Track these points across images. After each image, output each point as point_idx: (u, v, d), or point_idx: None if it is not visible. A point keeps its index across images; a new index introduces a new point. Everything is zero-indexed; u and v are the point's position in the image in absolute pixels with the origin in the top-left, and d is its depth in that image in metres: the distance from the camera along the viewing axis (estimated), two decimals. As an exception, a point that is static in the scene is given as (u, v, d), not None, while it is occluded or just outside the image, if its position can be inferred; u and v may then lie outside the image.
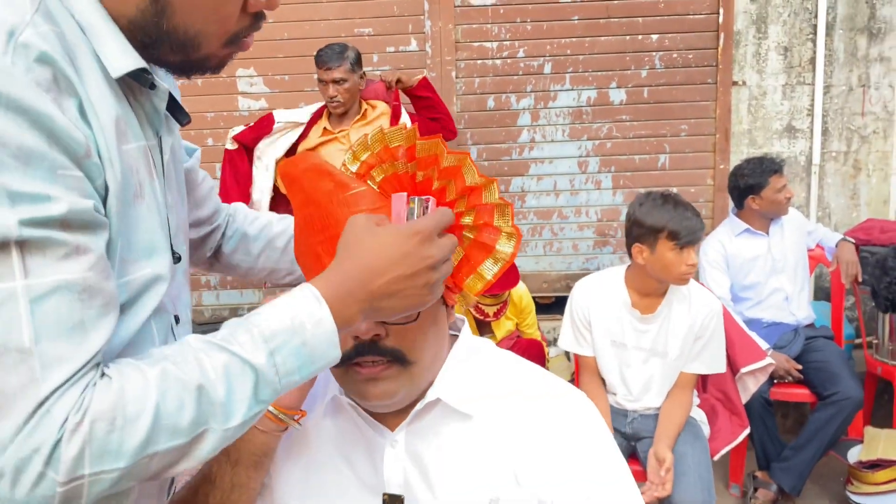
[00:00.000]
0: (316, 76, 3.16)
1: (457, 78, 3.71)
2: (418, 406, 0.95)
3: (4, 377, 0.62)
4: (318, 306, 0.74)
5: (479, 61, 3.72)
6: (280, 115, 3.23)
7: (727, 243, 3.11)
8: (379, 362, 0.90)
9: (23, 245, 0.63)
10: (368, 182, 0.92)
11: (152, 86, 0.80)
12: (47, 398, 0.62)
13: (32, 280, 0.63)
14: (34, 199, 0.63)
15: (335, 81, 3.05)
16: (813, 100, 3.72)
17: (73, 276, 0.65)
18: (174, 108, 0.88)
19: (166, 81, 0.86)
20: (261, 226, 1.20)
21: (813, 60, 3.69)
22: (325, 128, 3.17)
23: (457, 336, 1.03)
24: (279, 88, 3.72)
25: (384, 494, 0.96)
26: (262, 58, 3.65)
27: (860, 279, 3.08)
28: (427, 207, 0.85)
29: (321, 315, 0.73)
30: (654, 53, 3.69)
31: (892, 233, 3.20)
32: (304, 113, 3.25)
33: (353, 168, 0.92)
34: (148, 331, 0.79)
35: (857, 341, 3.42)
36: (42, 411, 0.62)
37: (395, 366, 0.90)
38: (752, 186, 3.01)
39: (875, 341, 3.22)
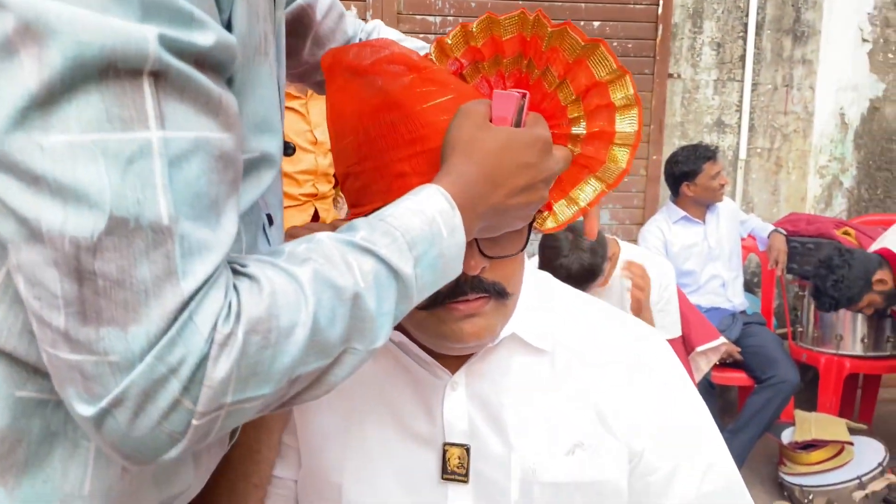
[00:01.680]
0: None
1: (397, 51, 3.56)
2: (491, 343, 0.81)
3: (132, 264, 0.44)
4: (451, 212, 0.62)
5: (421, 35, 3.57)
6: None
7: (665, 230, 3.14)
8: (482, 297, 0.75)
9: (158, 79, 0.44)
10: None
11: None
12: (190, 299, 0.46)
13: (171, 132, 0.45)
14: (175, 15, 0.44)
15: None
16: (742, 96, 3.83)
17: (213, 136, 0.47)
18: None
19: None
20: None
21: (743, 58, 3.81)
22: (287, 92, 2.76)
23: None
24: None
25: (444, 445, 0.81)
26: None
27: (783, 268, 3.21)
28: (524, 104, 0.71)
29: (455, 223, 0.62)
30: (594, 40, 3.69)
31: (818, 224, 3.33)
32: None
33: (461, 51, 0.76)
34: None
35: (782, 331, 3.54)
36: (184, 317, 0.46)
37: (494, 300, 0.76)
38: (686, 173, 3.07)
39: (800, 329, 3.34)
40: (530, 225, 0.77)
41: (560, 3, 3.65)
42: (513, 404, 0.82)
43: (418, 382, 0.83)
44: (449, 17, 3.58)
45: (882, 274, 2.71)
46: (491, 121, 0.69)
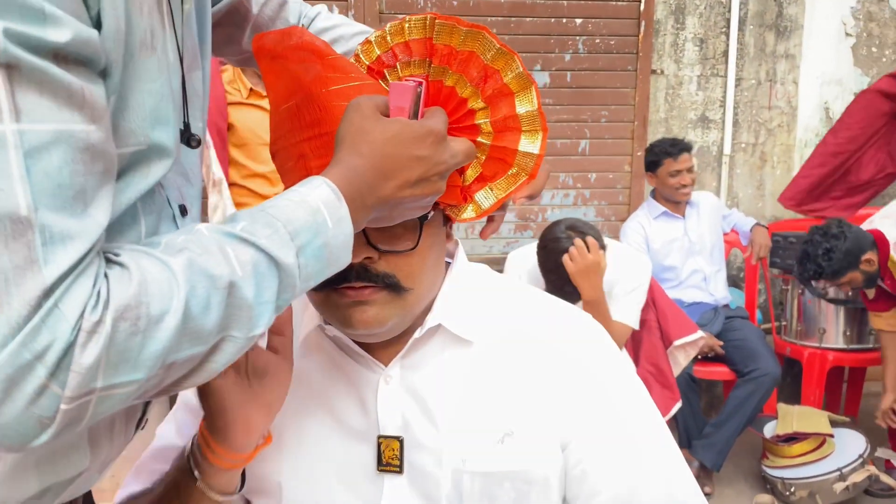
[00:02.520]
0: None
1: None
2: (416, 334, 0.82)
3: None
4: (337, 203, 0.63)
5: (403, 34, 3.59)
6: None
7: (646, 225, 3.15)
8: (368, 286, 0.77)
9: (11, 72, 0.46)
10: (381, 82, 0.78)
11: None
12: (54, 287, 0.47)
13: (26, 125, 0.46)
14: (26, 11, 0.46)
15: None
16: (725, 92, 3.84)
17: (76, 128, 0.49)
18: None
19: None
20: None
21: (726, 53, 3.81)
22: (251, 87, 2.60)
23: (450, 262, 0.91)
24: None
25: (379, 437, 0.82)
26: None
27: (766, 260, 3.23)
28: (420, 94, 0.73)
29: (341, 214, 0.64)
30: (577, 38, 3.70)
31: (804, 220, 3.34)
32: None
33: (378, 52, 0.78)
34: (132, 216, 0.62)
35: (766, 326, 3.55)
36: (49, 304, 0.47)
37: (385, 291, 0.77)
38: (650, 163, 3.11)
39: (783, 323, 3.35)
40: (422, 223, 0.78)
41: (543, 1, 3.65)
42: (444, 395, 0.83)
43: (353, 377, 0.85)
44: (431, 16, 3.59)
45: (871, 255, 2.72)
46: (389, 114, 0.70)
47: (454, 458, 0.81)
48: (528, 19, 3.65)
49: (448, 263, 0.90)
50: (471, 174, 0.80)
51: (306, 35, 0.77)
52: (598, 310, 2.10)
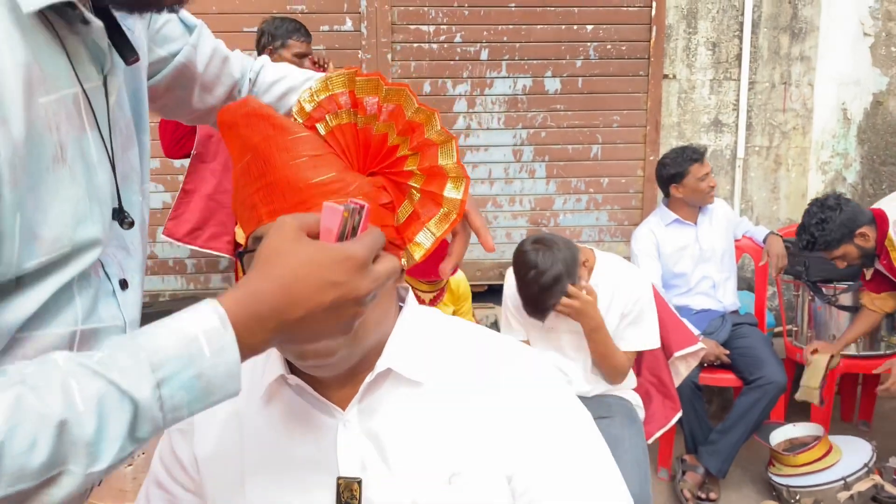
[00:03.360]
0: (284, 50, 2.87)
1: (392, 61, 3.63)
2: (368, 378, 0.88)
3: None
4: (222, 330, 0.62)
5: (415, 45, 3.65)
6: None
7: (658, 232, 3.16)
8: None
9: None
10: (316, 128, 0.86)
11: (84, 21, 0.69)
12: None
13: None
14: None
15: (308, 55, 2.89)
16: (738, 95, 3.83)
17: None
18: (121, 43, 0.76)
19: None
20: (276, 96, 1.08)
21: (739, 57, 3.80)
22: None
23: (401, 307, 0.97)
24: (205, 65, 3.56)
25: (339, 479, 0.88)
26: (187, 32, 3.48)
27: (780, 271, 3.23)
28: (360, 217, 0.72)
29: (224, 342, 0.62)
30: (588, 44, 3.72)
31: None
32: None
33: (309, 109, 0.85)
34: (67, 298, 0.67)
35: (778, 329, 3.55)
36: None
37: None
38: (674, 175, 3.08)
39: (794, 329, 3.35)
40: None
41: (553, 8, 3.68)
42: (397, 437, 0.88)
43: (313, 422, 0.90)
44: (443, 26, 3.64)
45: (867, 230, 2.74)
46: (319, 234, 0.70)
47: (405, 499, 0.87)
48: (538, 26, 3.69)
49: (400, 307, 0.95)
50: (402, 213, 0.87)
51: (255, 102, 0.85)
52: (600, 334, 2.19)
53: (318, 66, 3.14)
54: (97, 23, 0.71)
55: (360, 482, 0.87)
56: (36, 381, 0.56)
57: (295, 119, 0.86)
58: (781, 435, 2.93)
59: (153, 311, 2.82)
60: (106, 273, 0.73)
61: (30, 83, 0.62)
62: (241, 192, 0.85)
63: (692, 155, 3.06)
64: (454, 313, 3.04)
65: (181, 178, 3.64)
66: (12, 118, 0.60)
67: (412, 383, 0.89)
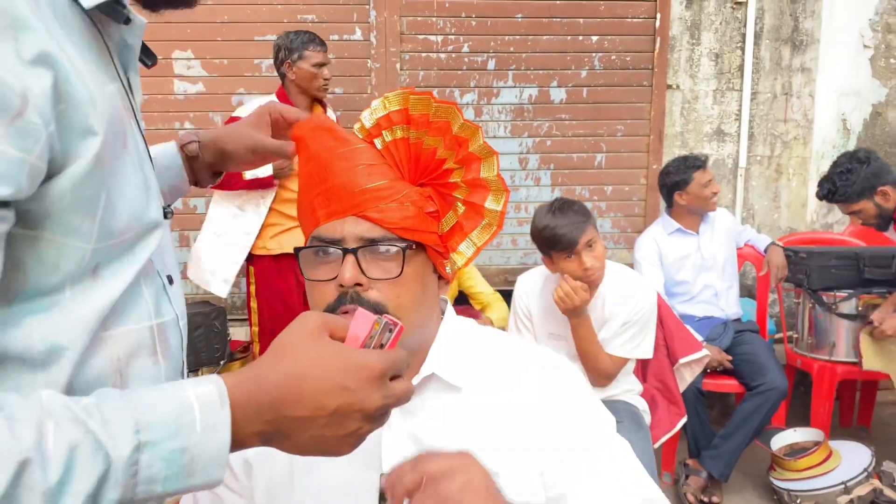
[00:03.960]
0: (302, 62, 2.91)
1: (401, 70, 3.69)
2: (413, 381, 0.93)
3: None
4: (218, 407, 0.58)
5: (423, 54, 3.71)
6: (246, 112, 2.95)
7: (660, 241, 3.22)
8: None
9: None
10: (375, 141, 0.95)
11: (127, 20, 0.71)
12: None
13: None
14: None
15: (325, 64, 2.95)
16: (741, 105, 3.90)
17: None
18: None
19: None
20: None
21: (741, 68, 3.87)
22: None
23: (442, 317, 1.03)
24: (217, 73, 3.61)
25: (381, 475, 0.94)
26: (200, 40, 3.53)
27: (781, 281, 3.29)
28: (391, 333, 0.70)
29: (218, 420, 0.58)
30: (593, 54, 3.78)
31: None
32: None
33: (368, 125, 0.95)
34: (137, 294, 0.70)
35: (778, 336, 3.61)
36: None
37: None
38: (677, 183, 3.14)
39: (795, 336, 3.41)
40: (405, 252, 0.88)
41: (559, 19, 3.75)
42: (437, 438, 0.94)
43: None
44: (450, 36, 3.70)
45: (890, 189, 2.75)
46: (344, 337, 0.68)
47: None
48: (544, 37, 3.75)
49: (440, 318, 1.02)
50: (446, 223, 0.95)
51: (320, 117, 0.96)
52: (584, 326, 2.24)
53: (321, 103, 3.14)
54: (140, 21, 0.74)
55: None
56: (13, 412, 0.52)
57: (356, 134, 0.96)
58: (782, 440, 2.99)
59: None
60: (156, 269, 0.75)
61: (99, 70, 0.66)
62: (304, 198, 0.94)
63: (694, 162, 3.12)
64: (460, 290, 3.11)
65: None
66: (98, 100, 0.62)
67: (452, 388, 0.95)
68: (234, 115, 2.95)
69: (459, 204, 0.95)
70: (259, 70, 3.60)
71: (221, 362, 3.07)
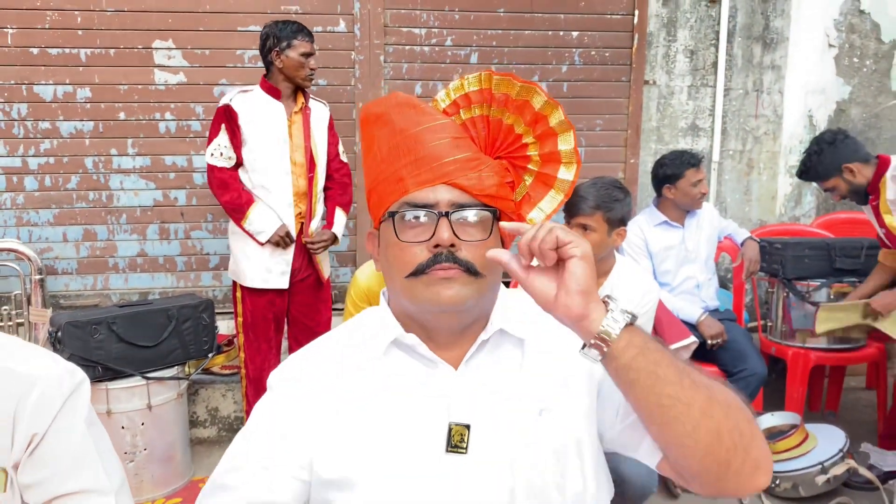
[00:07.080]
0: (290, 51, 2.89)
1: (385, 62, 3.70)
2: (482, 336, 1.01)
3: None
4: None
5: (407, 47, 3.72)
6: (237, 103, 2.90)
7: (646, 230, 3.30)
8: (454, 267, 0.96)
9: None
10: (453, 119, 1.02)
11: None
12: None
13: None
14: None
15: (312, 54, 2.94)
16: (714, 101, 4.01)
17: None
18: None
19: None
20: None
21: (715, 64, 3.98)
22: (294, 110, 2.98)
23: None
24: (199, 63, 3.56)
25: (450, 424, 0.98)
26: (181, 30, 3.47)
27: (753, 275, 3.42)
28: None
29: None
30: (573, 50, 3.85)
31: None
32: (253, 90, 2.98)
33: (444, 105, 1.04)
34: None
35: (752, 325, 3.74)
36: None
37: (466, 274, 0.96)
38: (669, 176, 3.21)
39: (769, 324, 3.53)
40: (497, 218, 0.99)
41: (541, 14, 3.80)
42: (501, 386, 1.01)
43: (424, 378, 1.01)
44: (434, 30, 3.72)
45: (855, 167, 2.95)
46: None
47: (509, 436, 0.98)
48: (526, 32, 3.80)
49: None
50: (518, 193, 1.05)
51: (403, 95, 1.03)
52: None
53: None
54: None
55: (468, 427, 0.99)
56: None
57: (436, 110, 1.03)
58: (760, 424, 3.10)
59: (144, 309, 2.83)
60: None
61: None
62: (388, 169, 0.99)
63: (690, 160, 3.19)
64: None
65: (172, 175, 3.65)
66: None
67: (515, 340, 1.04)
68: (220, 104, 2.91)
69: (527, 176, 1.03)
70: (241, 61, 3.57)
71: (210, 355, 3.04)
